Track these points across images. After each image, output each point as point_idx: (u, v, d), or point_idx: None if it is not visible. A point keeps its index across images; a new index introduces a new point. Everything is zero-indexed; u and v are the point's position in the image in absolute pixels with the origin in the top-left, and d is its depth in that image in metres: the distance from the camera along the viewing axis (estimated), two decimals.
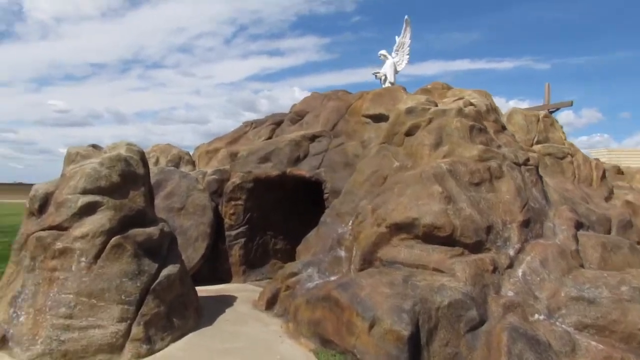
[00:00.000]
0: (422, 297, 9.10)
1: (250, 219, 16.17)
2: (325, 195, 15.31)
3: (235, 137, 19.74)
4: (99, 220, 9.56)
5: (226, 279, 15.76)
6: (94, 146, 11.19)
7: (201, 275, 15.24)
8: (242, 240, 15.97)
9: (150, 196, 11.31)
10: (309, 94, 19.47)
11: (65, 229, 9.55)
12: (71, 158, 10.58)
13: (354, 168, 15.10)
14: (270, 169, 15.87)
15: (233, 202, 15.90)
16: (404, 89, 15.96)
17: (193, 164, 19.34)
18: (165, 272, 10.11)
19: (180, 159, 18.87)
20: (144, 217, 10.41)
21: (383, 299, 9.12)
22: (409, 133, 12.80)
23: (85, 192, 9.72)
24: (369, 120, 15.70)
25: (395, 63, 18.03)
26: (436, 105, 13.16)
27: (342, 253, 12.23)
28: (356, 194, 13.03)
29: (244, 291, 14.54)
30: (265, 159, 16.09)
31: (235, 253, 15.83)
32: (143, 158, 11.28)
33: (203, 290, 14.16)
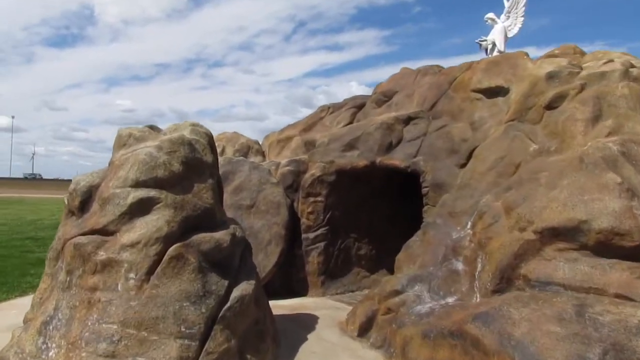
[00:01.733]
0: (615, 341, 6.07)
1: (332, 218, 13.54)
2: (425, 190, 12.39)
3: (310, 124, 17.19)
4: (155, 223, 7.20)
5: (301, 291, 13.23)
6: (152, 127, 8.89)
7: (273, 287, 12.77)
8: (322, 244, 13.38)
9: (219, 191, 8.89)
10: (367, 89, 16.55)
11: (112, 233, 7.26)
12: (122, 141, 8.31)
13: (462, 155, 12.12)
14: (356, 159, 13.14)
15: (312, 199, 13.34)
16: (527, 55, 12.72)
17: (263, 154, 16.99)
18: (237, 292, 7.62)
19: (249, 149, 16.55)
20: (211, 218, 7.99)
21: (554, 343, 6.17)
22: (550, 106, 9.67)
23: (137, 184, 7.40)
24: (480, 95, 12.61)
25: (505, 28, 14.75)
26: (581, 69, 9.91)
27: (460, 265, 9.32)
28: (475, 187, 10.06)
29: (324, 308, 11.92)
30: (350, 146, 13.38)
31: (313, 260, 13.26)
32: (211, 142, 8.88)
33: (276, 307, 11.67)
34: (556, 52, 13.01)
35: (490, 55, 14.61)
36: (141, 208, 7.27)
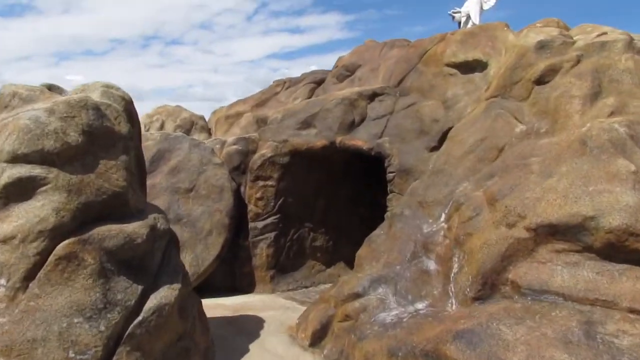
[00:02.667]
0: None
1: (284, 205, 11.88)
2: (390, 175, 10.92)
3: (264, 99, 15.41)
4: (38, 211, 5.33)
5: (247, 287, 11.59)
6: (50, 86, 6.90)
7: (214, 283, 11.09)
8: (272, 234, 11.72)
9: (138, 171, 7.04)
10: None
11: None
12: (3, 102, 6.31)
13: (433, 137, 10.70)
14: (313, 138, 11.49)
15: (261, 183, 11.62)
16: (507, 26, 11.32)
17: (209, 131, 15.10)
18: (154, 300, 5.87)
19: (192, 125, 14.62)
20: (123, 206, 6.16)
21: None
22: (541, 80, 8.28)
23: (15, 159, 5.49)
24: (454, 70, 11.18)
25: (481, 0, 13.34)
26: (575, 41, 8.56)
27: (432, 265, 7.90)
28: (451, 173, 8.61)
29: (273, 309, 10.31)
30: (306, 124, 11.70)
31: (262, 252, 11.59)
32: (129, 109, 7.01)
33: (216, 307, 9.99)
34: (538, 25, 11.66)
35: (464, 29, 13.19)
36: (20, 191, 5.38)
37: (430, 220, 8.40)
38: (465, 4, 13.61)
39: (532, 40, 8.62)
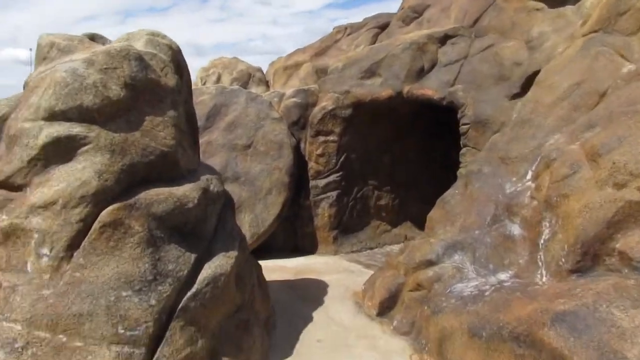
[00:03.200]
0: None
1: (346, 162, 11.10)
2: (464, 127, 9.85)
3: (323, 47, 14.44)
4: (79, 174, 4.85)
5: (309, 248, 11.07)
6: (93, 36, 6.36)
7: (274, 244, 10.64)
8: (334, 193, 11.03)
9: (189, 128, 6.45)
10: None
11: (19, 188, 4.96)
12: (42, 54, 5.83)
13: (514, 83, 9.49)
14: (378, 88, 10.50)
15: (322, 138, 10.86)
16: None
17: (267, 84, 14.40)
18: (208, 270, 5.36)
19: (249, 78, 13.98)
20: (172, 167, 5.62)
21: None
22: None
23: (54, 116, 4.99)
24: (541, 5, 9.72)
25: None
26: None
27: (517, 229, 6.95)
28: (539, 124, 7.45)
29: (336, 272, 9.75)
30: (370, 72, 10.69)
31: (324, 212, 10.97)
32: (178, 59, 6.37)
33: (277, 269, 9.56)
34: None
35: None
36: (59, 151, 4.91)
37: (514, 179, 7.36)
38: None
39: None
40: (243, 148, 10.51)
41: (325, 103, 10.76)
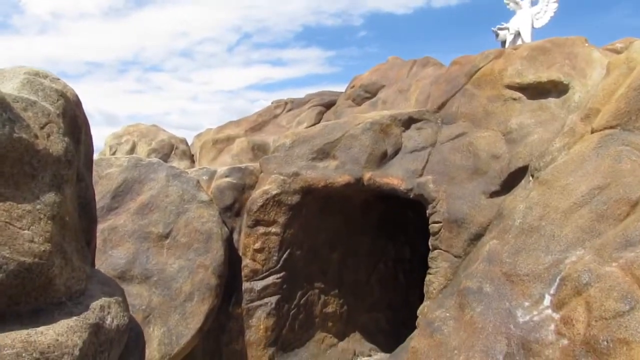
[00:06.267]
0: None
1: (290, 260, 9.01)
2: (436, 226, 8.29)
3: (260, 122, 12.72)
4: None
5: None
6: None
7: None
8: (273, 299, 8.79)
9: (83, 221, 4.12)
10: None
11: None
12: None
13: (492, 178, 8.23)
14: (334, 172, 8.75)
15: (262, 229, 8.75)
16: (587, 41, 8.94)
17: (192, 159, 12.21)
18: None
19: (171, 149, 11.77)
20: (41, 290, 3.24)
21: None
22: None
23: None
24: (519, 94, 8.71)
25: (533, 15, 11.04)
26: None
27: None
28: (554, 234, 5.93)
29: None
30: (324, 153, 8.97)
31: (259, 324, 8.64)
32: (72, 114, 4.12)
33: None
34: (618, 45, 9.34)
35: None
36: None
37: (527, 304, 5.66)
38: (513, 20, 11.30)
39: None
40: (159, 238, 8.10)
41: (268, 186, 8.76)
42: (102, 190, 8.30)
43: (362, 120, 9.14)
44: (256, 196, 8.79)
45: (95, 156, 5.62)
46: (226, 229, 8.62)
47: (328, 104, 12.97)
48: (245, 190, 9.14)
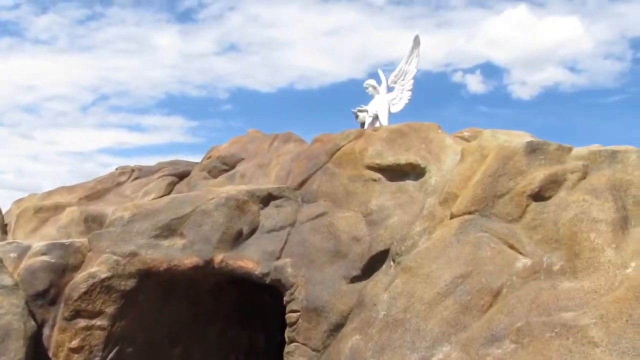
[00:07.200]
0: None
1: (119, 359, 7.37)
2: (293, 315, 7.53)
3: (100, 190, 11.14)
4: None
5: None
6: None
7: None
8: None
9: None
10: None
11: None
12: None
13: (353, 262, 7.87)
14: (180, 253, 7.61)
15: (83, 322, 7.13)
16: (441, 128, 9.23)
17: (4, 230, 10.04)
18: None
19: None
20: None
21: None
22: (539, 195, 5.84)
23: None
24: (378, 175, 8.55)
25: (389, 101, 11.42)
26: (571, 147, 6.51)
27: None
28: (418, 327, 5.46)
29: None
30: (170, 230, 7.82)
31: None
32: None
33: None
34: (465, 134, 9.89)
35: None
36: None
37: None
38: (372, 103, 11.55)
39: (518, 141, 6.34)
40: None
41: (97, 268, 7.24)
42: None
43: (217, 195, 8.23)
44: (79, 280, 7.20)
45: None
46: (33, 322, 6.81)
47: (181, 174, 11.83)
48: (67, 272, 7.50)
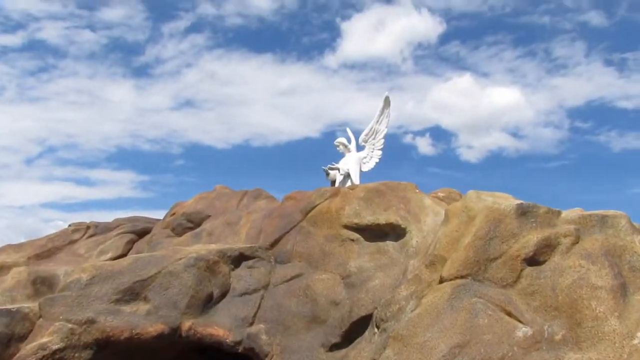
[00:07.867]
0: None
1: None
2: None
3: (50, 248, 10.30)
4: None
5: None
6: None
7: None
8: None
9: None
10: None
11: None
12: None
13: (332, 328, 7.46)
14: (144, 320, 6.93)
15: None
16: (418, 188, 9.11)
17: None
18: None
19: None
20: None
21: None
22: (534, 259, 5.67)
23: None
24: (357, 235, 8.27)
25: (361, 158, 11.35)
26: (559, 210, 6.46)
27: None
28: None
29: None
30: (133, 294, 7.15)
31: None
32: None
33: None
34: (440, 194, 9.85)
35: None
36: None
37: None
38: (343, 161, 11.45)
39: (506, 203, 6.21)
40: None
41: (48, 339, 6.43)
42: None
43: (185, 255, 7.65)
44: (27, 353, 6.34)
45: None
46: None
47: (141, 232, 11.12)
48: (13, 343, 6.63)
